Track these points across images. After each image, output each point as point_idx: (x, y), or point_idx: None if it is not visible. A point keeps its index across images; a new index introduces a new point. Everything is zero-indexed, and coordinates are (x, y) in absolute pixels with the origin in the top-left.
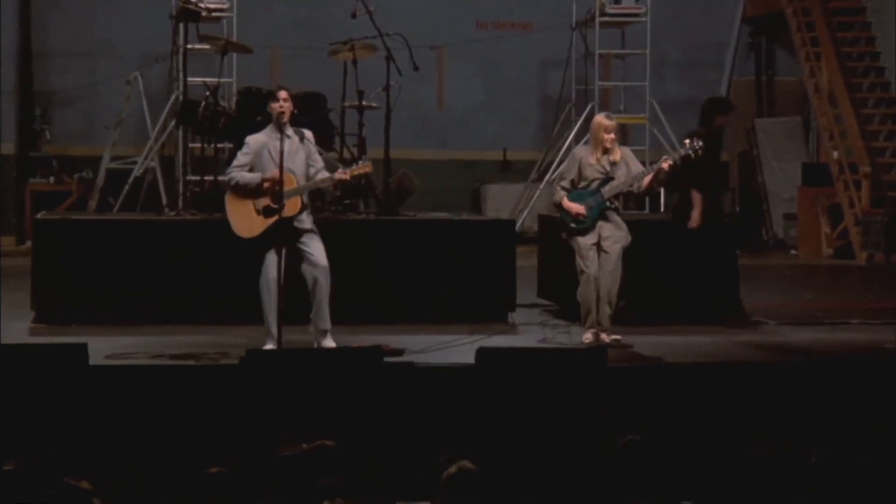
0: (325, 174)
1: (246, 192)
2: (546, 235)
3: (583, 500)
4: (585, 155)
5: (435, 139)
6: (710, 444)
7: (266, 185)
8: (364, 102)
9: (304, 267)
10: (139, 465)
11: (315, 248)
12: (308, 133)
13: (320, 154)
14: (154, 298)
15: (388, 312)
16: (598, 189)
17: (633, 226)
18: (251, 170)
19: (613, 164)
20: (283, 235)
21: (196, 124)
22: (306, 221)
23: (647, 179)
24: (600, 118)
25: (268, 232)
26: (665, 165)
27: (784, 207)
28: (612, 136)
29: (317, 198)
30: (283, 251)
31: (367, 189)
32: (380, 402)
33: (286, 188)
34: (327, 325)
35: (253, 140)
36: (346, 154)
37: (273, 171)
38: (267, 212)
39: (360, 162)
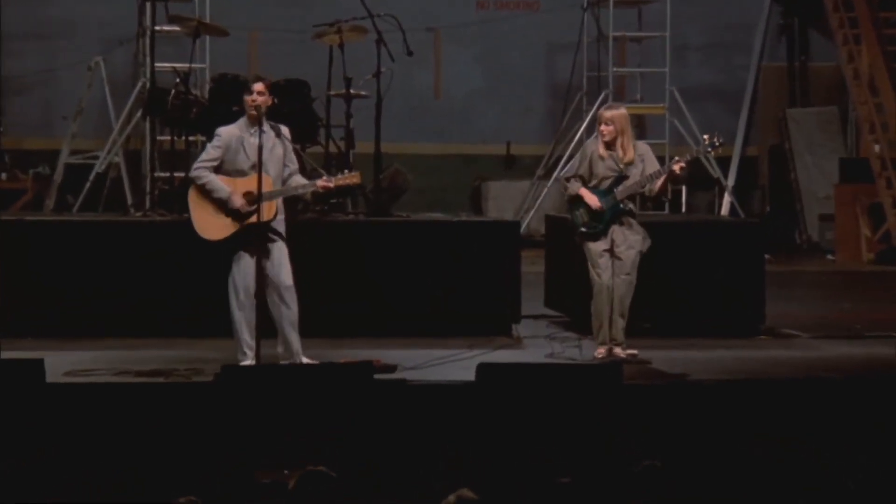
0: (300, 179)
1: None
2: (554, 238)
3: None
4: (596, 149)
5: (431, 131)
6: (737, 470)
7: (233, 203)
8: (352, 91)
9: (268, 285)
10: (102, 495)
11: (281, 265)
12: (284, 129)
13: (298, 155)
14: (118, 308)
15: (379, 324)
16: (610, 189)
17: (650, 228)
18: (221, 164)
19: (628, 163)
20: (257, 239)
21: (165, 115)
22: (278, 227)
23: (659, 182)
24: (602, 108)
25: (238, 234)
26: (677, 168)
27: (819, 207)
28: (609, 128)
29: (298, 197)
30: (256, 256)
31: (355, 187)
32: (370, 424)
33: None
34: (295, 354)
35: (225, 132)
36: (333, 148)
37: (242, 194)
38: (239, 215)
39: (348, 171)
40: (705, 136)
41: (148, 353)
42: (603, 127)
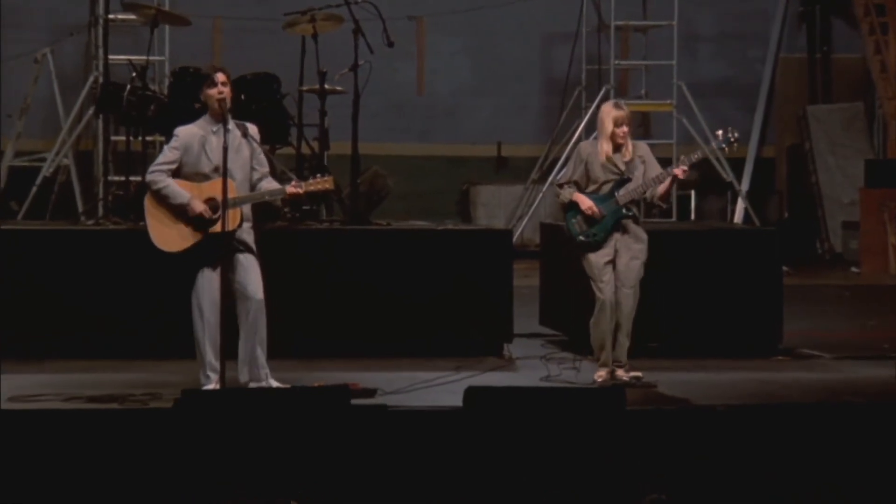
0: (271, 182)
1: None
2: (550, 248)
3: None
4: (593, 152)
5: (414, 131)
6: None
7: (193, 209)
8: (327, 86)
9: (233, 298)
10: None
11: (249, 277)
12: (252, 128)
13: (267, 157)
14: (68, 327)
15: (356, 344)
16: (611, 193)
17: (655, 236)
18: (181, 168)
19: (628, 163)
20: (222, 249)
21: (119, 112)
22: (244, 236)
23: (662, 187)
24: (608, 107)
25: (200, 245)
26: (679, 173)
27: (843, 214)
28: (625, 129)
29: (269, 204)
30: (220, 268)
31: (329, 193)
32: (347, 454)
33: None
34: (261, 376)
35: (184, 132)
36: (305, 149)
37: (204, 200)
38: (200, 223)
39: (320, 175)
40: (718, 132)
41: (101, 377)
42: (624, 128)
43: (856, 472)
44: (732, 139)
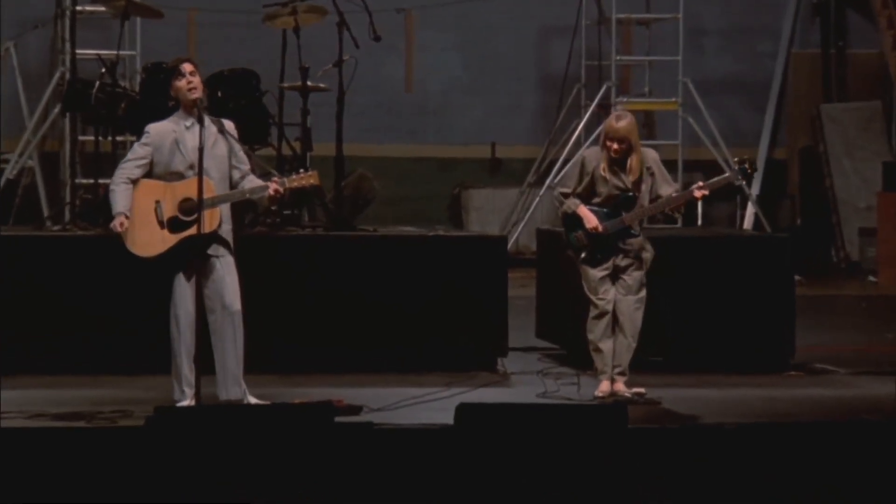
0: (253, 181)
1: (145, 194)
2: (547, 256)
3: None
4: (599, 164)
5: (402, 130)
6: None
7: (113, 226)
8: (309, 83)
9: (208, 308)
10: None
11: (226, 285)
12: (228, 124)
13: (248, 155)
14: (33, 340)
15: (341, 358)
16: (617, 211)
17: (659, 244)
18: (154, 167)
19: (635, 182)
20: (198, 255)
21: (88, 111)
22: (223, 239)
23: (675, 204)
24: (610, 118)
25: (176, 250)
26: (698, 195)
27: (859, 220)
28: (622, 146)
29: (248, 206)
30: (197, 276)
31: (313, 195)
32: (330, 475)
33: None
34: (238, 391)
35: (155, 129)
36: (287, 150)
37: (179, 201)
38: (175, 226)
39: (303, 171)
40: (735, 160)
41: (68, 393)
42: (616, 145)
43: (873, 494)
44: (749, 170)
